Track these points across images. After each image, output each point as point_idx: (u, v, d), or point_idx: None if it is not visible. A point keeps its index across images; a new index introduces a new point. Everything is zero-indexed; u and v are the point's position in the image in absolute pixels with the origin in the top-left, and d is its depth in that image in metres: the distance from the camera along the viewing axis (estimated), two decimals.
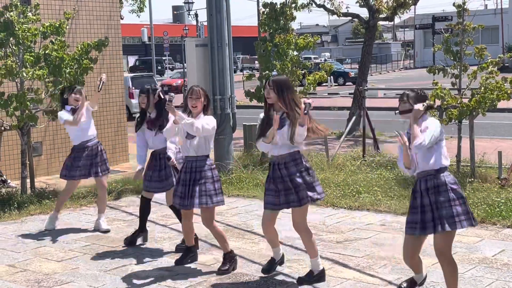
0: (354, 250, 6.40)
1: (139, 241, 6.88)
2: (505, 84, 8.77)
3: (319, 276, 5.47)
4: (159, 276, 5.83)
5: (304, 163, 5.31)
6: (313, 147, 12.95)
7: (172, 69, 51.34)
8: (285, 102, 5.20)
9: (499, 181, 8.51)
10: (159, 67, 49.53)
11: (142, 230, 6.93)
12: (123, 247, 6.81)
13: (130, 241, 6.86)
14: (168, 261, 6.29)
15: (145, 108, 6.65)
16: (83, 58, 8.93)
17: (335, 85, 37.33)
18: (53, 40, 8.96)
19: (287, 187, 5.27)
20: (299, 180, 5.24)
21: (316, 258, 5.47)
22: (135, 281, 5.73)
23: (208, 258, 6.31)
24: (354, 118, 12.81)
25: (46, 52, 8.75)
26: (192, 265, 6.11)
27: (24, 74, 8.56)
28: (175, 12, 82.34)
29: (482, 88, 8.73)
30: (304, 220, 5.39)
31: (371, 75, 40.88)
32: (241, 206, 8.58)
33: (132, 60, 57.14)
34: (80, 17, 11.37)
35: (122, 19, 15.45)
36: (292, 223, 5.43)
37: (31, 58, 8.66)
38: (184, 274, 5.85)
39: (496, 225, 7.09)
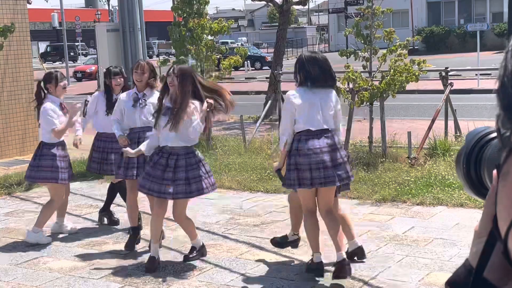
0: (271, 233, 6.46)
1: None
2: (413, 66, 9.06)
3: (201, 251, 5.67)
4: (73, 267, 5.69)
5: (197, 155, 5.45)
6: (230, 132, 12.98)
7: (85, 55, 50.00)
8: (183, 92, 5.26)
9: (409, 161, 8.81)
10: (72, 53, 48.11)
11: None
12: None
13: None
14: (81, 251, 6.15)
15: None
16: None
17: (252, 70, 37.43)
18: None
19: (178, 177, 5.33)
20: (191, 173, 5.35)
21: (196, 239, 5.65)
22: (47, 273, 5.57)
23: (121, 246, 6.20)
24: (270, 102, 12.89)
25: None
26: (109, 256, 6.00)
27: None
28: None
29: (392, 70, 8.99)
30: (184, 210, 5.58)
31: (288, 59, 41.26)
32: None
33: (43, 46, 55.23)
34: None
35: (29, 3, 14.85)
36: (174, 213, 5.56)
37: None
38: (99, 266, 5.74)
39: (406, 203, 7.34)
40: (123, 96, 6.13)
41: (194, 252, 5.64)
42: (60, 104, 6.47)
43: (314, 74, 5.02)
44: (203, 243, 5.75)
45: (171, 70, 5.36)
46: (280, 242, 5.67)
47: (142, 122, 6.00)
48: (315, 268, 5.16)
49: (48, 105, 6.38)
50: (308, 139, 4.98)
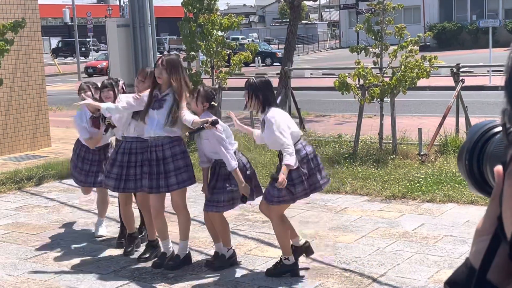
0: None
1: None
2: (424, 63, 8.99)
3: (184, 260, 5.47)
4: (82, 263, 5.70)
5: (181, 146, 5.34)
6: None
7: (97, 51, 50.16)
8: (176, 82, 5.21)
9: (420, 157, 8.76)
10: (83, 49, 48.31)
11: None
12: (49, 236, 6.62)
13: None
14: (90, 246, 6.16)
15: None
16: None
17: (263, 66, 37.39)
18: None
19: (159, 170, 5.25)
20: (170, 165, 5.24)
21: (186, 240, 5.50)
22: (56, 268, 5.59)
23: None
24: (279, 98, 12.87)
25: None
26: (118, 251, 6.00)
27: None
28: None
29: (402, 66, 8.93)
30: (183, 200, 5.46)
31: (298, 55, 41.19)
32: None
33: (54, 41, 55.47)
34: None
35: None
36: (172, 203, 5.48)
37: None
38: (107, 261, 5.75)
39: (416, 200, 7.29)
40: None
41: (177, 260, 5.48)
42: (91, 117, 6.15)
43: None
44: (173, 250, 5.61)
45: (159, 61, 5.28)
46: (219, 266, 5.39)
47: (136, 132, 5.62)
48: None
49: (78, 113, 6.28)
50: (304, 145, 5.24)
